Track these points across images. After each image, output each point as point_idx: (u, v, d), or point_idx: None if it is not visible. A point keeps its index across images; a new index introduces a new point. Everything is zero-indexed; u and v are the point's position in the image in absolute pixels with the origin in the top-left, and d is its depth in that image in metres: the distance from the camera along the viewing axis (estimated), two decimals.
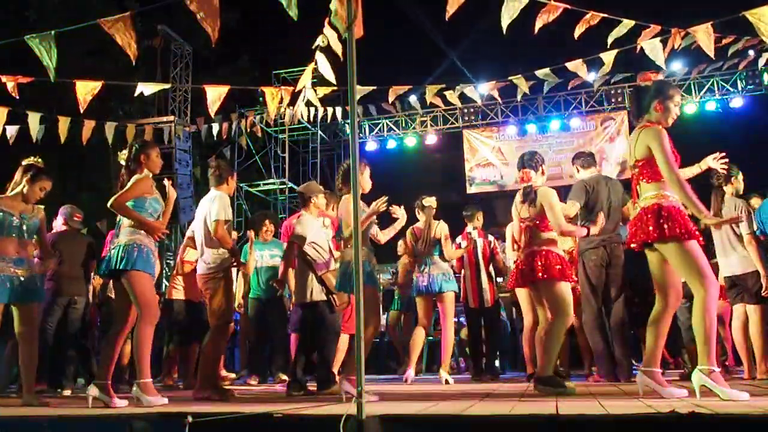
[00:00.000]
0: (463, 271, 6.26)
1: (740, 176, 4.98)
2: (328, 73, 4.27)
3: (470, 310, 6.31)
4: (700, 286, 3.05)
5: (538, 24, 4.29)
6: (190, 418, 2.32)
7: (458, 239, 6.31)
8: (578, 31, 4.53)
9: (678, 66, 11.34)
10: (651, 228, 3.14)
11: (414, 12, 14.17)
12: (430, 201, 5.74)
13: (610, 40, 4.78)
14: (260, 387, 6.00)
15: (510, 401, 3.19)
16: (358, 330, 2.45)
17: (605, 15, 4.49)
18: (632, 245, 3.32)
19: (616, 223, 5.15)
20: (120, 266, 3.56)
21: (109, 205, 3.66)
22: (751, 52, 8.38)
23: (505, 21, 4.00)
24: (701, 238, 3.15)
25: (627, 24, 4.63)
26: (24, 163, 4.17)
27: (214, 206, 4.36)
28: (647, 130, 3.30)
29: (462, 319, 7.44)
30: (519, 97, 6.39)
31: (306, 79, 4.69)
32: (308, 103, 6.32)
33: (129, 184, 3.71)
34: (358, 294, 2.48)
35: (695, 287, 3.07)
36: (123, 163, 3.89)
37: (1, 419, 2.89)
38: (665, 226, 3.10)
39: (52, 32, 4.00)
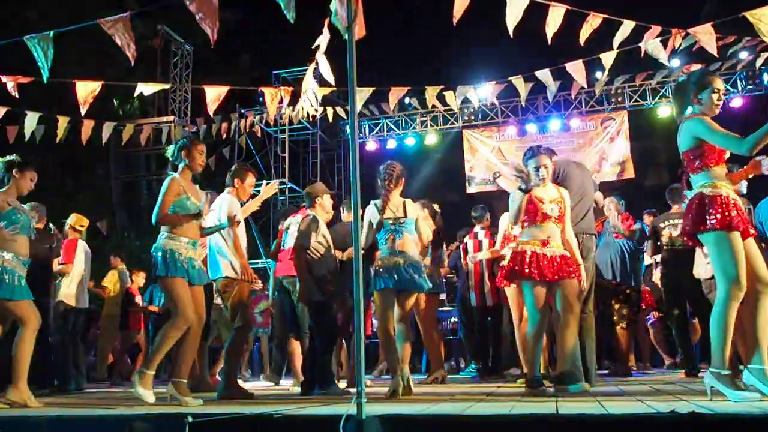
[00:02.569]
0: (467, 271, 6.31)
1: None
2: (328, 74, 4.28)
3: (473, 309, 6.33)
4: (723, 283, 2.95)
5: (549, 32, 4.30)
6: (190, 418, 2.32)
7: (466, 239, 6.36)
8: (583, 37, 4.52)
9: (677, 66, 11.34)
10: (695, 219, 3.04)
11: (415, 12, 14.17)
12: (435, 207, 5.85)
13: (615, 44, 4.77)
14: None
15: (510, 401, 3.19)
16: (357, 330, 2.45)
17: (606, 16, 4.49)
18: (684, 238, 3.25)
19: (588, 209, 4.59)
20: (156, 272, 3.64)
21: (154, 223, 3.67)
22: (745, 53, 8.40)
23: (511, 23, 4.01)
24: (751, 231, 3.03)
25: (628, 25, 4.63)
26: (1, 161, 3.97)
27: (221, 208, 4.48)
28: (689, 122, 3.20)
29: (456, 319, 7.50)
30: (521, 97, 6.39)
31: (308, 80, 4.70)
32: (316, 102, 6.33)
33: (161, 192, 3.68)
34: (358, 294, 2.47)
35: (720, 283, 2.98)
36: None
37: (1, 419, 2.89)
38: (706, 216, 2.99)
39: (51, 33, 4.01)
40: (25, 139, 6.00)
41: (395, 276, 4.08)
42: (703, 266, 4.96)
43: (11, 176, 3.89)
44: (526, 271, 3.77)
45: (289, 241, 5.23)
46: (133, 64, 4.11)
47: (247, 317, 4.58)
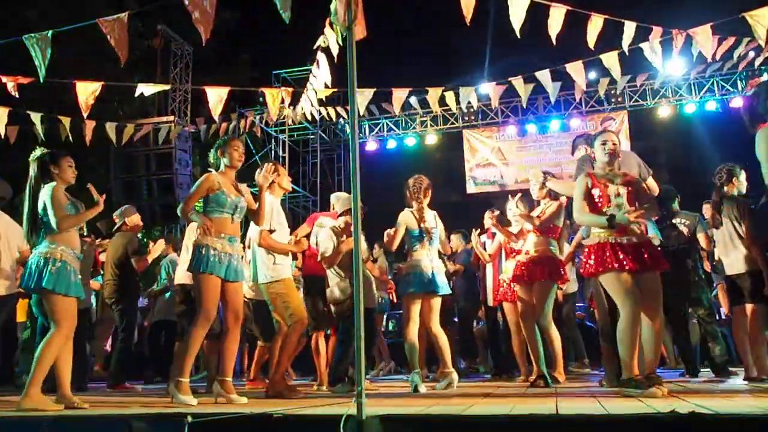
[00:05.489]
0: (482, 269, 6.31)
1: (743, 176, 4.97)
2: (326, 75, 4.29)
3: (488, 309, 6.32)
4: None
5: (552, 34, 4.30)
6: (189, 418, 2.33)
7: (482, 237, 6.35)
8: (591, 41, 4.52)
9: (678, 66, 11.35)
10: None
11: (415, 13, 14.17)
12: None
13: (625, 46, 4.77)
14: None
15: (510, 401, 3.19)
16: (357, 330, 2.45)
17: (607, 17, 4.49)
18: None
19: None
20: (190, 269, 3.69)
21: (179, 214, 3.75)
22: (751, 53, 8.39)
23: (516, 23, 4.02)
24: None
25: (629, 26, 4.63)
26: (32, 159, 3.76)
27: None
28: (763, 130, 3.36)
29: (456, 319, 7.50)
30: (522, 99, 6.38)
31: (311, 81, 4.71)
32: (319, 103, 6.33)
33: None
34: (358, 294, 2.47)
35: None
36: (211, 161, 3.97)
37: (0, 419, 2.89)
38: None
39: (49, 33, 4.01)
40: (39, 140, 6.00)
41: (427, 280, 4.63)
42: (733, 263, 4.88)
43: (49, 171, 3.70)
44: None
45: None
46: (123, 65, 4.10)
47: (300, 312, 4.35)
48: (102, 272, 6.48)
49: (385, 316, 8.92)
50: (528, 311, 5.09)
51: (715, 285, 6.85)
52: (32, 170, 3.72)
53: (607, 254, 3.56)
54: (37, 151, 3.78)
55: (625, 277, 3.52)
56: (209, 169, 3.97)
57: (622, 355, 3.52)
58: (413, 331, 4.67)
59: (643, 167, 4.41)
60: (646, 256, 3.56)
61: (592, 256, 3.63)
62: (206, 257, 3.59)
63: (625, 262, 3.50)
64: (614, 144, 3.76)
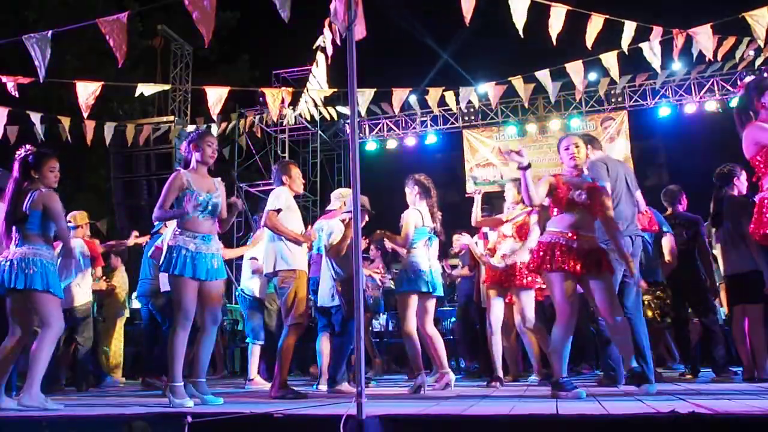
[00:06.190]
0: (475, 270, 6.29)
1: (743, 176, 4.96)
2: (324, 75, 4.29)
3: (482, 310, 6.30)
4: None
5: (553, 34, 4.30)
6: (189, 418, 2.33)
7: (475, 238, 6.32)
8: (589, 41, 4.52)
9: (678, 66, 11.35)
10: None
11: (417, 13, 14.17)
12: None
13: (624, 46, 4.77)
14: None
15: (510, 401, 3.19)
16: (357, 330, 2.45)
17: (607, 16, 4.49)
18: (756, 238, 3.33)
19: (633, 210, 4.46)
20: (162, 269, 3.64)
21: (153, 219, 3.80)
22: (751, 52, 8.39)
23: (518, 23, 4.03)
24: None
25: (630, 26, 4.64)
26: (17, 156, 3.64)
27: (269, 200, 4.39)
28: (748, 129, 3.31)
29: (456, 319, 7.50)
30: (523, 99, 6.38)
31: (311, 81, 4.72)
32: (314, 105, 6.33)
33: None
34: (358, 295, 2.48)
35: None
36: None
37: (0, 419, 2.89)
38: None
39: (49, 33, 4.01)
40: (38, 140, 6.00)
41: (426, 279, 4.54)
42: (732, 263, 4.91)
43: (29, 174, 3.58)
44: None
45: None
46: (120, 65, 4.10)
47: (300, 314, 4.25)
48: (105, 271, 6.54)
49: (384, 316, 8.91)
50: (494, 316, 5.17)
51: (717, 285, 6.83)
52: (15, 170, 3.64)
53: (556, 254, 3.62)
54: (22, 150, 3.67)
55: (568, 284, 3.62)
56: (178, 167, 3.93)
57: (552, 360, 3.69)
58: (414, 328, 4.59)
59: (630, 180, 4.45)
60: (594, 260, 3.63)
61: (540, 253, 3.69)
62: (177, 258, 3.52)
63: (572, 264, 3.57)
64: (576, 147, 3.79)
